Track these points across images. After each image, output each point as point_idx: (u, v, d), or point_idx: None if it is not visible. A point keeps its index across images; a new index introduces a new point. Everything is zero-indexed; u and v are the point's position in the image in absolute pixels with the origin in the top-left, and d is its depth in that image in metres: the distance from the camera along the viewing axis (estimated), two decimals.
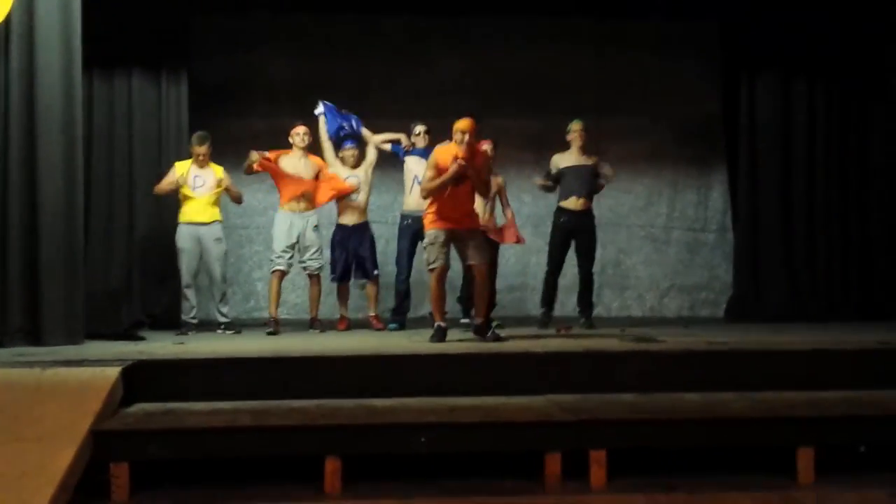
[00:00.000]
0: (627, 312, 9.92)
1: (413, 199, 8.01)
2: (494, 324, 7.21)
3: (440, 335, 6.80)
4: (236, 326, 8.03)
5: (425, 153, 7.76)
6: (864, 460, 5.03)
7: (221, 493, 4.62)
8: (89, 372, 5.29)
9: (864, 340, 6.61)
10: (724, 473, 4.92)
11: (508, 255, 9.86)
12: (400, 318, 8.23)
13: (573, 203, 8.09)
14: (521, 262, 9.78)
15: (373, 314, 8.33)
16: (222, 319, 8.04)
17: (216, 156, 8.08)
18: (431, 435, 4.83)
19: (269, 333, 7.67)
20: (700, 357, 6.12)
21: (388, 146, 8.16)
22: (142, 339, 7.10)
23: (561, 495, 4.62)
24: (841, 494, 4.58)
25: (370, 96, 9.10)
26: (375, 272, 8.29)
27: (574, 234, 8.19)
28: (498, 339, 6.79)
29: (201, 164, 7.92)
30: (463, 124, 6.82)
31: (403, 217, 8.25)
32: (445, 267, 6.92)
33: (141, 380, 5.39)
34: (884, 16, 8.37)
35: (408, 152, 8.13)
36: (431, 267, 6.90)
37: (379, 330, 8.08)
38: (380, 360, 5.96)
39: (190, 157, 7.98)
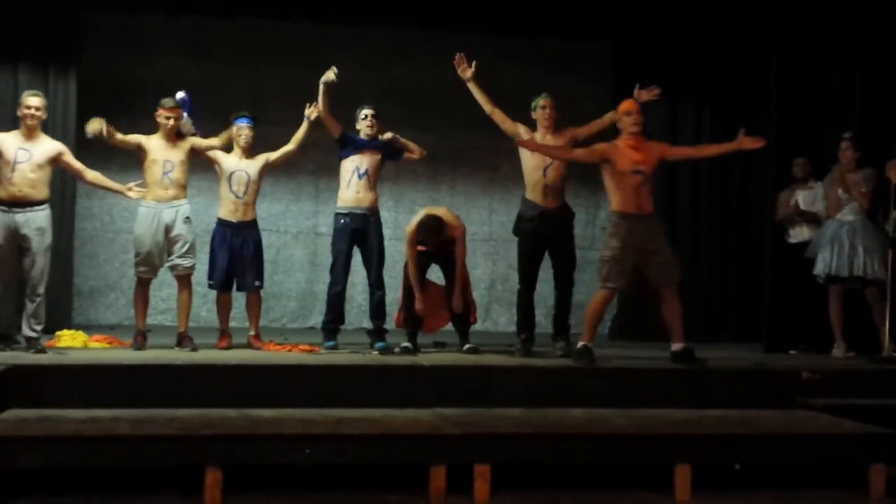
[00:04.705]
0: (514, 328, 10.01)
1: (351, 194, 7.16)
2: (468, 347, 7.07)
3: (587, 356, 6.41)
4: (40, 345, 6.50)
5: (371, 143, 7.20)
6: (739, 478, 5.18)
7: None
8: None
9: (741, 360, 6.83)
10: (605, 489, 5.00)
11: (399, 266, 9.77)
12: (333, 335, 7.19)
13: (541, 197, 6.95)
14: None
15: (253, 333, 7.26)
16: (28, 332, 6.48)
17: (105, 156, 7.85)
18: (316, 447, 4.78)
19: (136, 349, 6.80)
20: (584, 373, 6.24)
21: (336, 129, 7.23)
22: (16, 342, 6.83)
23: None
24: None
25: (262, 101, 8.97)
26: (257, 283, 7.29)
27: (547, 239, 7.01)
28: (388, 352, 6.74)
29: (30, 132, 6.58)
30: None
31: (339, 216, 7.20)
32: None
33: (15, 385, 5.25)
34: (767, 39, 8.66)
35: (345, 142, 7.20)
36: (610, 286, 6.51)
37: (258, 350, 7.05)
38: (265, 370, 5.91)
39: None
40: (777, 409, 5.92)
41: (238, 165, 7.21)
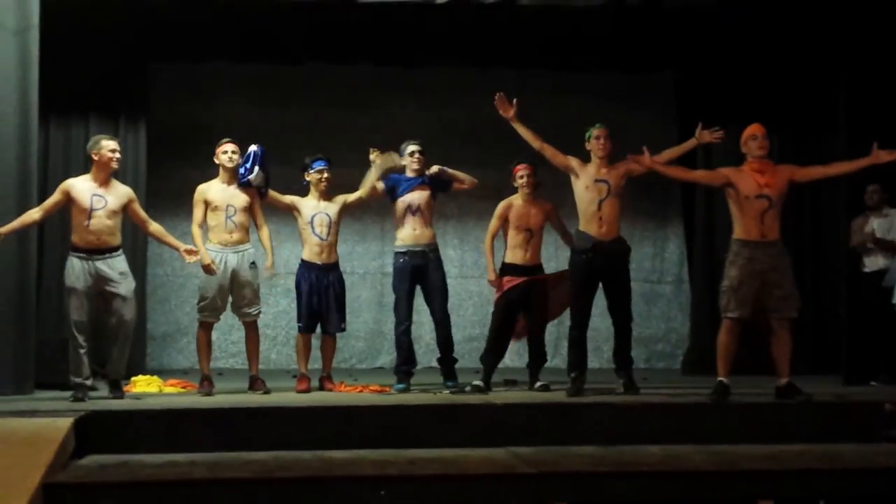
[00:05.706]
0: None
1: (408, 232, 7.13)
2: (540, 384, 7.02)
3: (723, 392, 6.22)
4: (119, 391, 6.55)
5: (417, 180, 7.16)
6: None
7: None
8: (41, 423, 5.20)
9: (820, 393, 6.67)
10: None
11: (467, 304, 9.85)
12: (406, 378, 7.07)
13: (596, 229, 6.83)
14: (480, 311, 9.71)
15: (325, 375, 7.22)
16: (114, 377, 6.56)
17: (177, 202, 7.94)
18: (391, 488, 4.77)
19: (204, 394, 6.71)
20: (659, 409, 6.15)
21: (379, 185, 7.23)
22: (93, 388, 6.92)
23: None
24: None
25: (326, 144, 9.04)
26: (342, 325, 7.31)
27: (601, 272, 6.86)
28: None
29: (106, 177, 6.52)
30: None
31: (398, 255, 7.17)
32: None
33: (93, 431, 5.31)
34: (833, 66, 8.55)
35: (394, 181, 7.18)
36: (731, 315, 6.31)
37: (329, 391, 7.05)
38: (338, 412, 5.92)
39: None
40: (859, 442, 5.77)
41: (318, 208, 7.21)
